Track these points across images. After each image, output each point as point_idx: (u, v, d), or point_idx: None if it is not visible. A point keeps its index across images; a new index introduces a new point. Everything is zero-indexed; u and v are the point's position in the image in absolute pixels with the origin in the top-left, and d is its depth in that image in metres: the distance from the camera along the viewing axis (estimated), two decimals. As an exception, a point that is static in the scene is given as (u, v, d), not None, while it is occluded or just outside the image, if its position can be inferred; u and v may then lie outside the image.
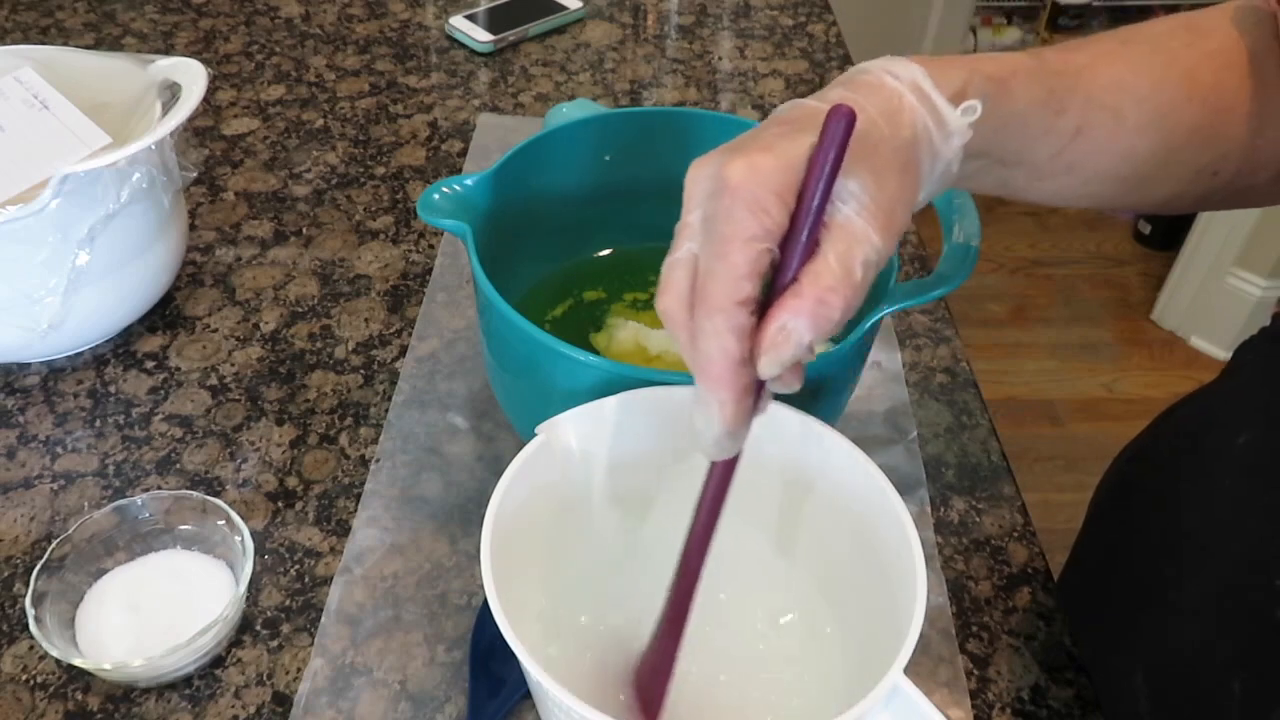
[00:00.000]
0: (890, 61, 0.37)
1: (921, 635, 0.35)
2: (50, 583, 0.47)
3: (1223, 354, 1.99)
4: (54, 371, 0.62)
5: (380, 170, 0.80)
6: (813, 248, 0.33)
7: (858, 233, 0.33)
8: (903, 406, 0.62)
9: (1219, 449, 0.54)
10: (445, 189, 0.51)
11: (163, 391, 0.61)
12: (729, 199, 0.33)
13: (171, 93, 0.60)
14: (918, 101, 0.36)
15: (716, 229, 0.33)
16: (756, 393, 0.34)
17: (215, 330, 0.66)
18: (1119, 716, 0.52)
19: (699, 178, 0.35)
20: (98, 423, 0.59)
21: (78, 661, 0.45)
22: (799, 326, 0.32)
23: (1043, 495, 1.64)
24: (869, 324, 0.47)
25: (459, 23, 0.96)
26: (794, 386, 0.35)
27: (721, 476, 0.37)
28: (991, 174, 0.42)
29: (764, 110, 0.89)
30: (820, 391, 0.48)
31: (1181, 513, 0.55)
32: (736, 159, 0.33)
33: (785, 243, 0.33)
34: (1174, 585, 0.53)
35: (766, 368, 0.33)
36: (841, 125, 0.31)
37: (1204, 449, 0.56)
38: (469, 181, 0.52)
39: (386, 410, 0.60)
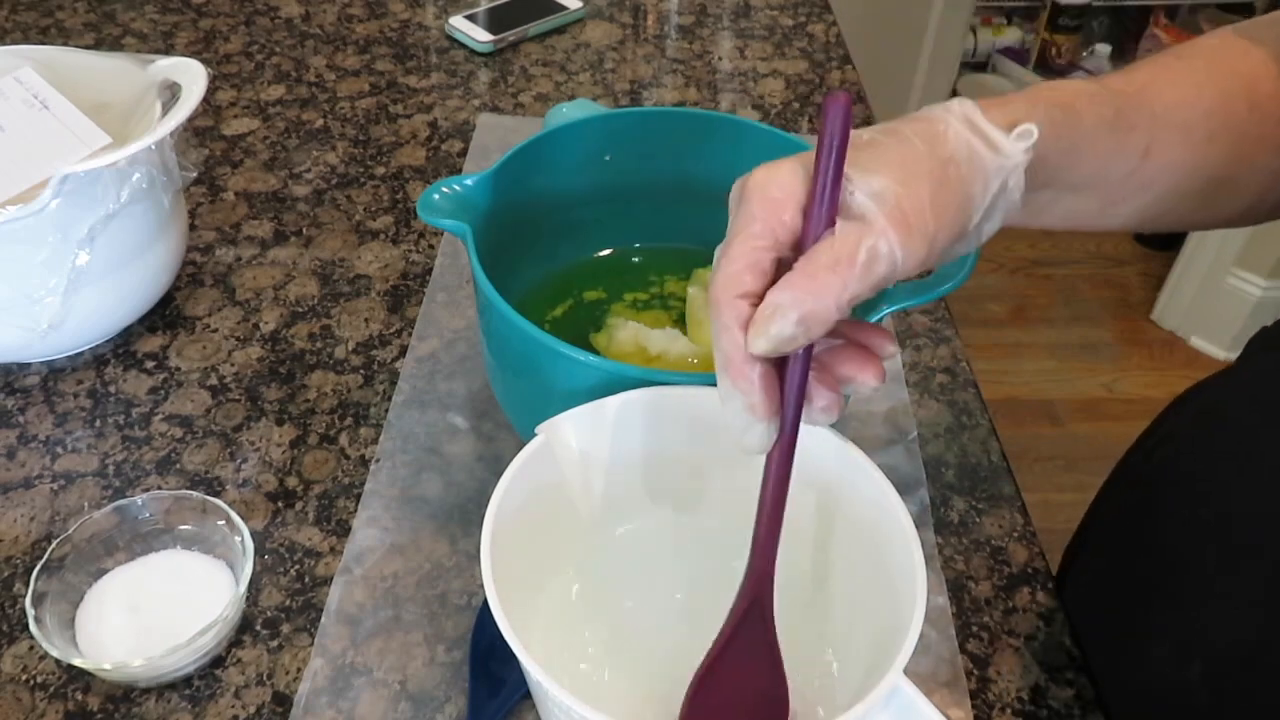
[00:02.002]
0: (949, 102, 0.38)
1: (921, 635, 0.35)
2: (50, 583, 0.47)
3: (1223, 354, 1.99)
4: (54, 371, 0.62)
5: (380, 170, 0.80)
6: (825, 233, 0.34)
7: (871, 222, 0.33)
8: (903, 406, 0.62)
9: (1261, 432, 0.53)
10: (445, 189, 0.51)
11: (163, 391, 0.61)
12: (745, 201, 0.35)
13: (171, 93, 0.60)
14: (964, 128, 0.36)
15: (729, 230, 0.35)
16: (799, 385, 0.35)
17: (215, 330, 0.66)
18: (1165, 707, 0.51)
19: (733, 190, 0.37)
20: (98, 423, 0.59)
21: (78, 661, 0.45)
22: (784, 300, 0.33)
23: (1043, 495, 1.63)
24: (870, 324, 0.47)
25: (459, 23, 0.96)
26: (831, 416, 0.36)
27: (778, 471, 0.37)
28: (1062, 204, 0.42)
29: (764, 110, 0.89)
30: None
31: (1226, 500, 0.54)
32: (759, 170, 0.35)
33: (802, 236, 0.34)
34: (1224, 573, 0.52)
35: (754, 343, 0.34)
36: (839, 108, 0.32)
37: (1242, 433, 0.55)
38: (469, 181, 0.52)
39: (386, 410, 0.60)
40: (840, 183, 0.33)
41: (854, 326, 0.39)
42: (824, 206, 0.33)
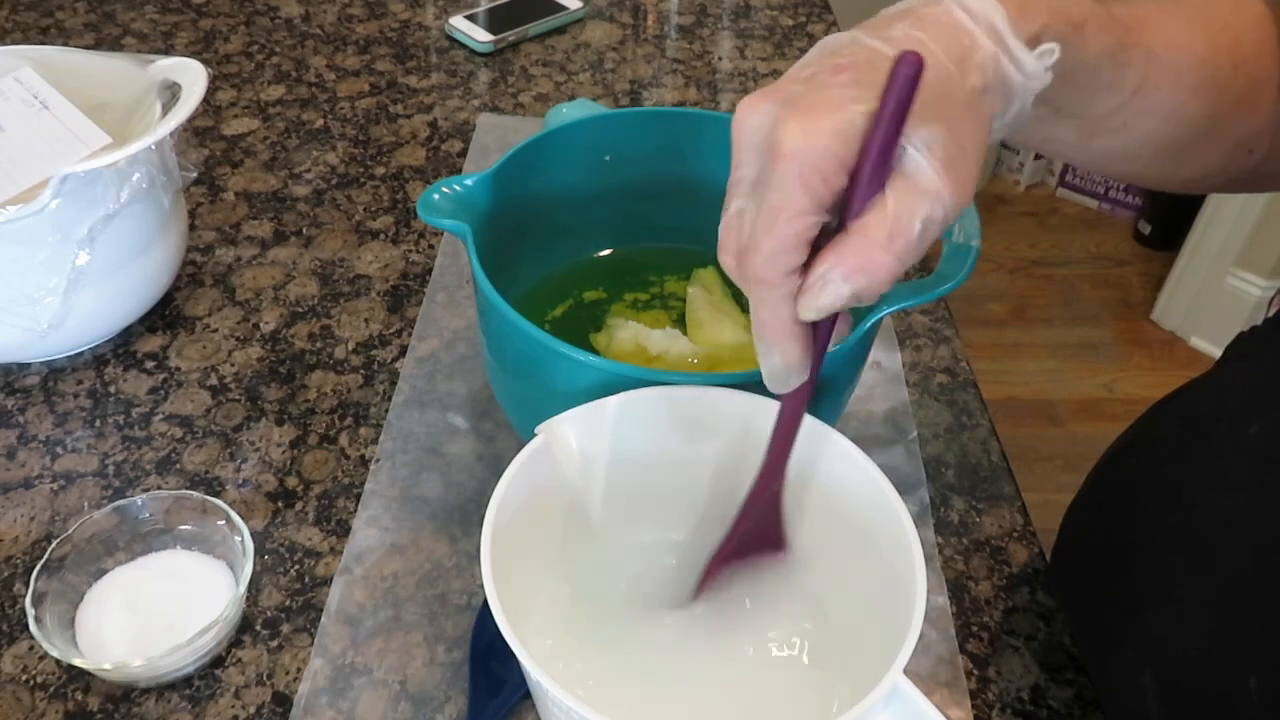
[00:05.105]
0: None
1: (921, 635, 0.35)
2: (50, 583, 0.47)
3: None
4: (54, 371, 0.62)
5: (380, 170, 0.80)
6: (876, 193, 0.32)
7: (924, 185, 0.31)
8: (903, 406, 0.62)
9: (1228, 438, 0.53)
10: (445, 189, 0.51)
11: (163, 391, 0.61)
12: (781, 167, 0.31)
13: (171, 93, 0.60)
14: (992, 43, 0.34)
15: (766, 197, 0.32)
16: (829, 328, 0.35)
17: (215, 330, 0.66)
18: (1125, 714, 0.51)
19: (749, 129, 0.33)
20: (98, 423, 0.59)
21: (78, 661, 0.45)
22: (835, 278, 0.32)
23: (1043, 495, 1.63)
24: (869, 324, 0.47)
25: (459, 23, 0.96)
26: (843, 333, 0.36)
27: (792, 409, 0.38)
28: (1044, 126, 0.41)
29: (764, 110, 0.89)
30: (820, 391, 0.48)
31: (1191, 505, 0.54)
32: (791, 121, 0.31)
33: (849, 192, 0.32)
34: (1182, 579, 0.52)
35: (805, 311, 0.33)
36: (909, 77, 0.30)
37: (1212, 439, 0.55)
38: (469, 181, 0.52)
39: (386, 410, 0.60)
40: (895, 147, 0.31)
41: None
42: (873, 170, 0.31)
